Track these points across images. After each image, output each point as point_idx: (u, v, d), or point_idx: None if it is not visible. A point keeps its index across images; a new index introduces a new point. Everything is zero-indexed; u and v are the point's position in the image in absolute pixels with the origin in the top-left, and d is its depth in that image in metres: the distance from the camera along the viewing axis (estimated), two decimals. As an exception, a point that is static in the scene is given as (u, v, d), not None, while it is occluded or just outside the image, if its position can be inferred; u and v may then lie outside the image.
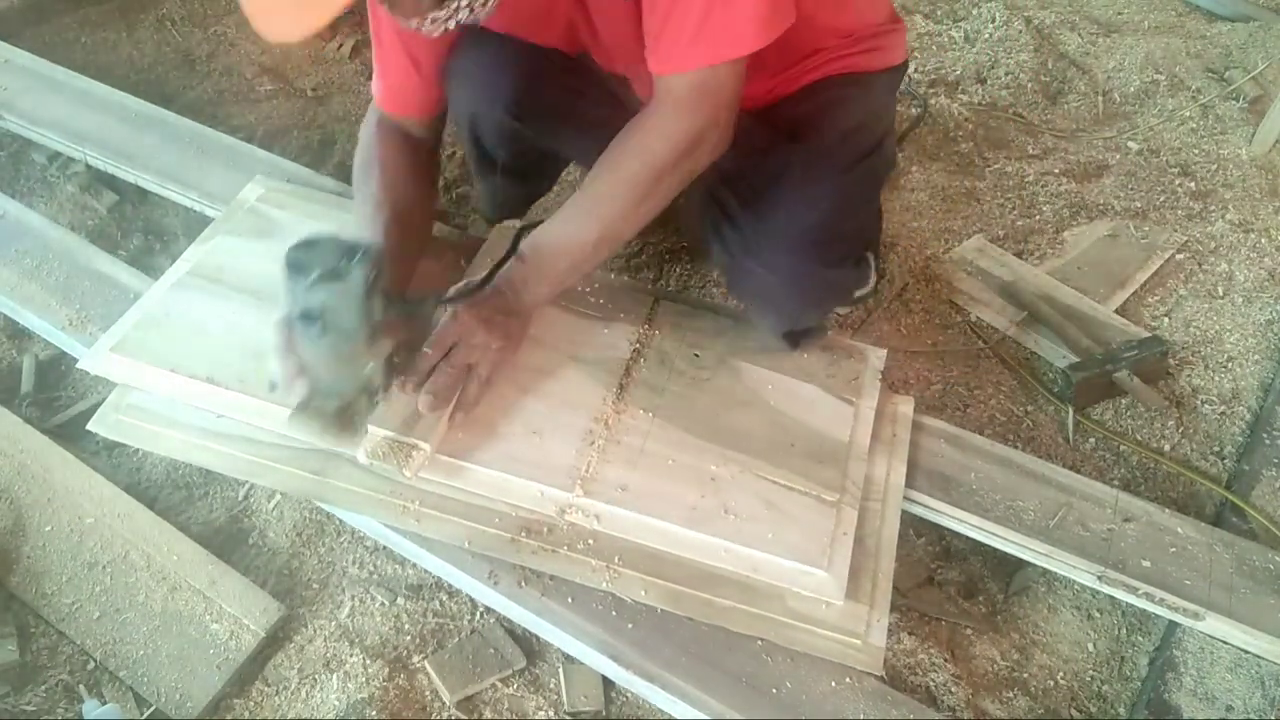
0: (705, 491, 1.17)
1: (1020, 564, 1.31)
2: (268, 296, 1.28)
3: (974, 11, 2.34)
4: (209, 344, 1.26)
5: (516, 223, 1.36)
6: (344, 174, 1.75)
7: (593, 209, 1.18)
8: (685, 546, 1.14)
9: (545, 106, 1.32)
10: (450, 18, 1.03)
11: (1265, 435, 1.49)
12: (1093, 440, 1.52)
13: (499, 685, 1.19)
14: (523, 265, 1.21)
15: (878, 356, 1.38)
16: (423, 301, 1.20)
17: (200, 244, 1.42)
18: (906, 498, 1.25)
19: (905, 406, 1.33)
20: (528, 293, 1.21)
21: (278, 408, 1.16)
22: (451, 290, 1.22)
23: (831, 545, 1.13)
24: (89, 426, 1.24)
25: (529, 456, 1.18)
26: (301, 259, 1.03)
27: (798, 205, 1.21)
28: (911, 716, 1.08)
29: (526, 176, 1.51)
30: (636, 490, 1.16)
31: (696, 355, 1.33)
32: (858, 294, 1.65)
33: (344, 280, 1.02)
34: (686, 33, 1.05)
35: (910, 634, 1.26)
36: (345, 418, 1.14)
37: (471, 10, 1.03)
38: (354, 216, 1.26)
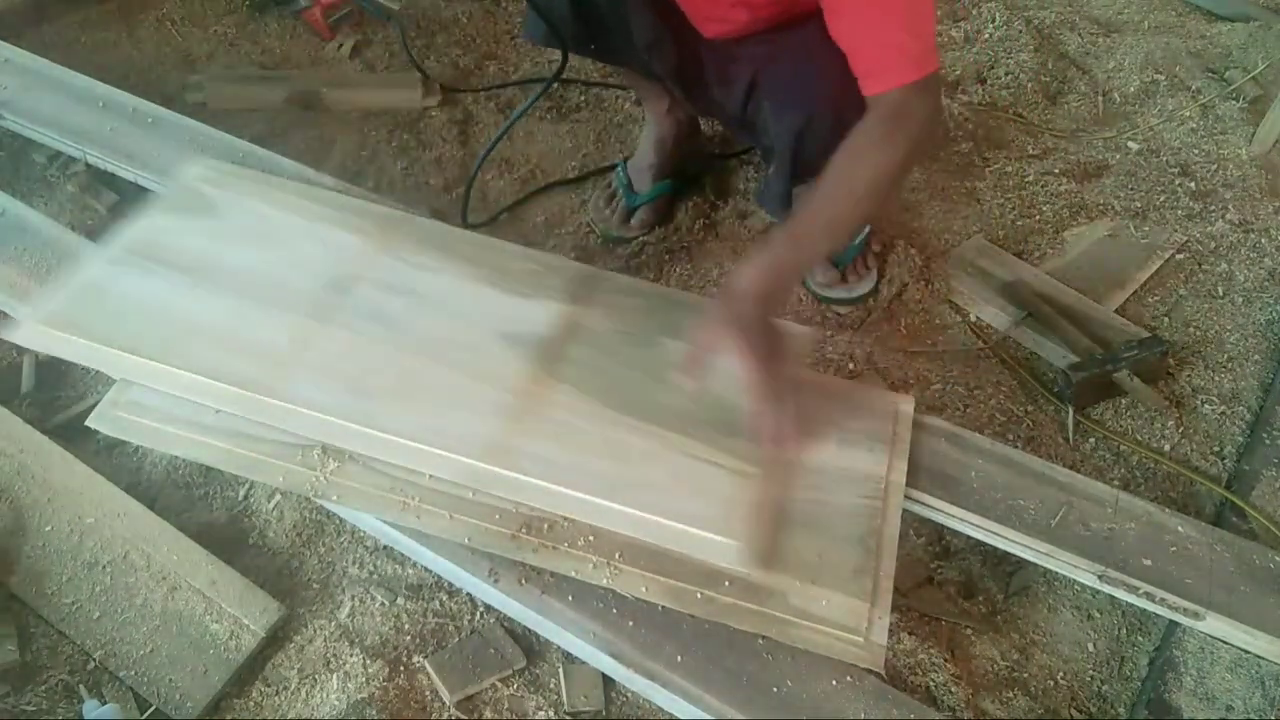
0: (623, 462, 1.17)
1: (1020, 564, 1.31)
2: (202, 275, 1.31)
3: (974, 11, 2.34)
4: (141, 320, 1.26)
5: None
6: (344, 174, 1.76)
7: (853, 191, 1.18)
8: (603, 517, 1.14)
9: None
10: None
11: (1265, 435, 1.49)
12: (1093, 440, 1.52)
13: (499, 685, 1.19)
14: (782, 257, 1.17)
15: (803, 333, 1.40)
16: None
17: (136, 221, 1.41)
18: (907, 496, 1.25)
19: (906, 405, 1.33)
20: (784, 291, 1.28)
21: (210, 383, 1.20)
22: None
23: (743, 516, 1.13)
24: (88, 423, 1.24)
25: (449, 428, 1.18)
26: None
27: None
28: (911, 716, 1.08)
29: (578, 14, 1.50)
30: (555, 462, 1.16)
31: (627, 333, 1.32)
32: (856, 293, 1.66)
33: None
34: (902, 54, 1.16)
35: (910, 634, 1.26)
36: None
37: None
38: None
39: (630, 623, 1.12)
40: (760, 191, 1.74)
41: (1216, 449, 1.52)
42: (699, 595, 1.12)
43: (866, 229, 1.67)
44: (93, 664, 1.17)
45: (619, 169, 1.79)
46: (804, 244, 1.19)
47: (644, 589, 1.13)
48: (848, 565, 1.15)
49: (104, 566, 1.22)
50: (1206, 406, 1.57)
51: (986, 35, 2.26)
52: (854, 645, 1.10)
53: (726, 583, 1.13)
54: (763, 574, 1.13)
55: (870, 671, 1.09)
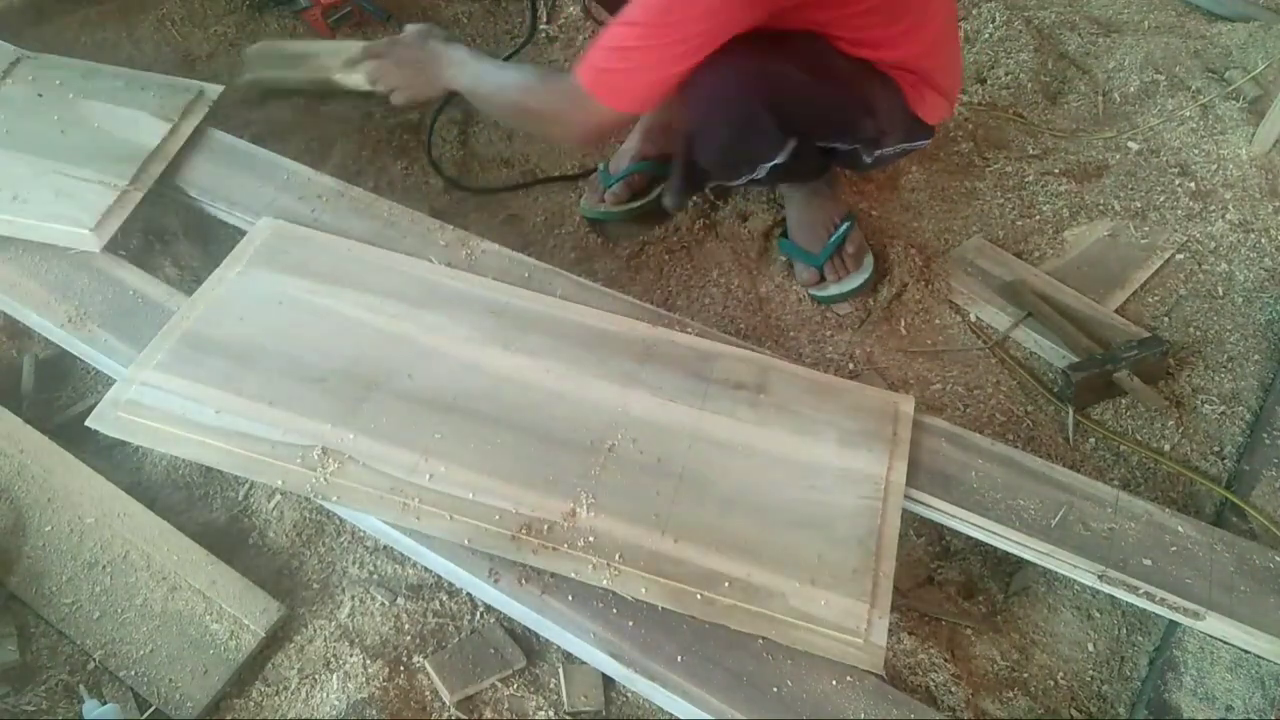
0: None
1: (1020, 564, 1.31)
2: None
3: (974, 11, 2.34)
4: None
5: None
6: (343, 174, 1.76)
7: (498, 88, 1.45)
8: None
9: None
10: None
11: (1265, 435, 1.49)
12: (1093, 440, 1.52)
13: (499, 685, 1.19)
14: (461, 60, 1.47)
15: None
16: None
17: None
18: (907, 496, 1.25)
19: (906, 405, 1.33)
20: (449, 73, 1.48)
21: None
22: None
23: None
24: (88, 423, 1.24)
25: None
26: None
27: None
28: (911, 716, 1.08)
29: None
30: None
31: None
32: (850, 286, 1.65)
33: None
34: (592, 59, 1.27)
35: (910, 634, 1.26)
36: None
37: None
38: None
39: (630, 623, 1.12)
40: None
41: (1216, 449, 1.52)
42: (698, 596, 1.12)
43: (844, 224, 1.65)
44: (93, 664, 1.17)
45: (600, 165, 1.81)
46: (467, 74, 1.46)
47: (644, 590, 1.13)
48: (847, 566, 1.15)
49: (104, 566, 1.22)
50: (1206, 406, 1.57)
51: (986, 35, 2.26)
52: (853, 647, 1.10)
53: (726, 584, 1.13)
54: (759, 574, 1.13)
55: (870, 672, 1.10)
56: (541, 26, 2.14)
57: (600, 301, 1.43)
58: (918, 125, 1.50)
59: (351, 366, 1.30)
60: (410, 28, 1.57)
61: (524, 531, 1.15)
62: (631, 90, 1.29)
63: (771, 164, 1.42)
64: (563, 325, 1.37)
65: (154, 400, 1.25)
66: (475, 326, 1.36)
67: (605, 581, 1.13)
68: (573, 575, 1.14)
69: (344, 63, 1.62)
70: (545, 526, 1.16)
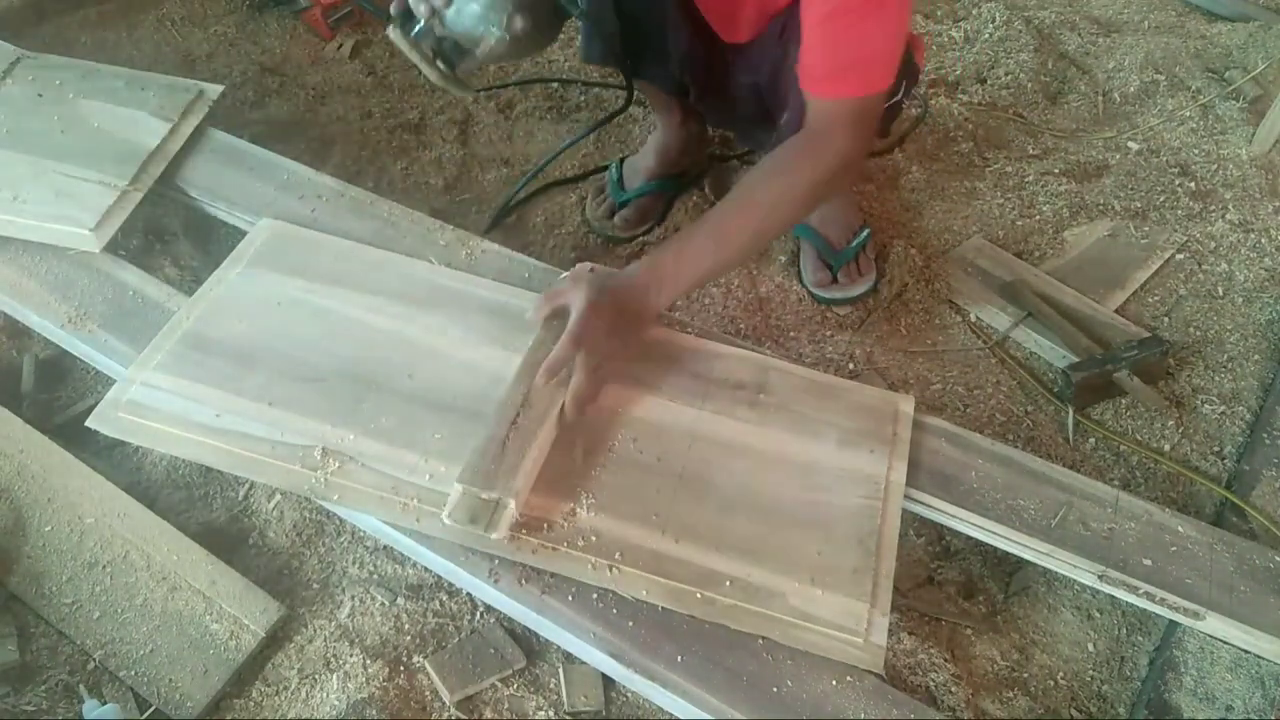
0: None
1: (1020, 564, 1.31)
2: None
3: (974, 11, 2.34)
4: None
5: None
6: (343, 174, 1.76)
7: (748, 215, 1.21)
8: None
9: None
10: None
11: (1265, 435, 1.49)
12: (1093, 440, 1.52)
13: (499, 685, 1.19)
14: (661, 263, 1.23)
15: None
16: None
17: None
18: (907, 496, 1.25)
19: (906, 405, 1.33)
20: (660, 295, 1.23)
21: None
22: (583, 266, 1.25)
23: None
24: (88, 423, 1.24)
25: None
26: None
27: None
28: (911, 716, 1.08)
29: (631, 32, 1.53)
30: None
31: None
32: (855, 293, 1.66)
33: None
34: (853, 60, 1.14)
35: (910, 634, 1.26)
36: (445, 61, 1.23)
37: None
38: None
39: (630, 623, 1.12)
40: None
41: (1216, 449, 1.52)
42: (699, 596, 1.12)
43: (865, 231, 1.67)
44: (93, 664, 1.17)
45: (612, 166, 1.81)
46: (686, 259, 1.22)
47: (644, 591, 1.13)
48: (847, 566, 1.15)
49: (104, 566, 1.22)
50: (1206, 406, 1.57)
51: (986, 35, 2.26)
52: (853, 646, 1.10)
53: (727, 583, 1.13)
54: (760, 574, 1.13)
55: (870, 672, 1.10)
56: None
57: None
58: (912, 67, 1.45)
59: (351, 367, 1.30)
60: (566, 281, 1.24)
61: (523, 531, 1.15)
62: (889, 60, 1.17)
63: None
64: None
65: (154, 401, 1.25)
66: (474, 327, 1.36)
67: (606, 582, 1.13)
68: (573, 575, 1.14)
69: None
70: (545, 526, 1.16)
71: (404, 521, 1.17)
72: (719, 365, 1.34)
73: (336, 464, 1.20)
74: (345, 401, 1.26)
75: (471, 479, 1.13)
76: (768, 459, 1.25)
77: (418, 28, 1.22)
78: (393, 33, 1.23)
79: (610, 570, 1.14)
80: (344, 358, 1.31)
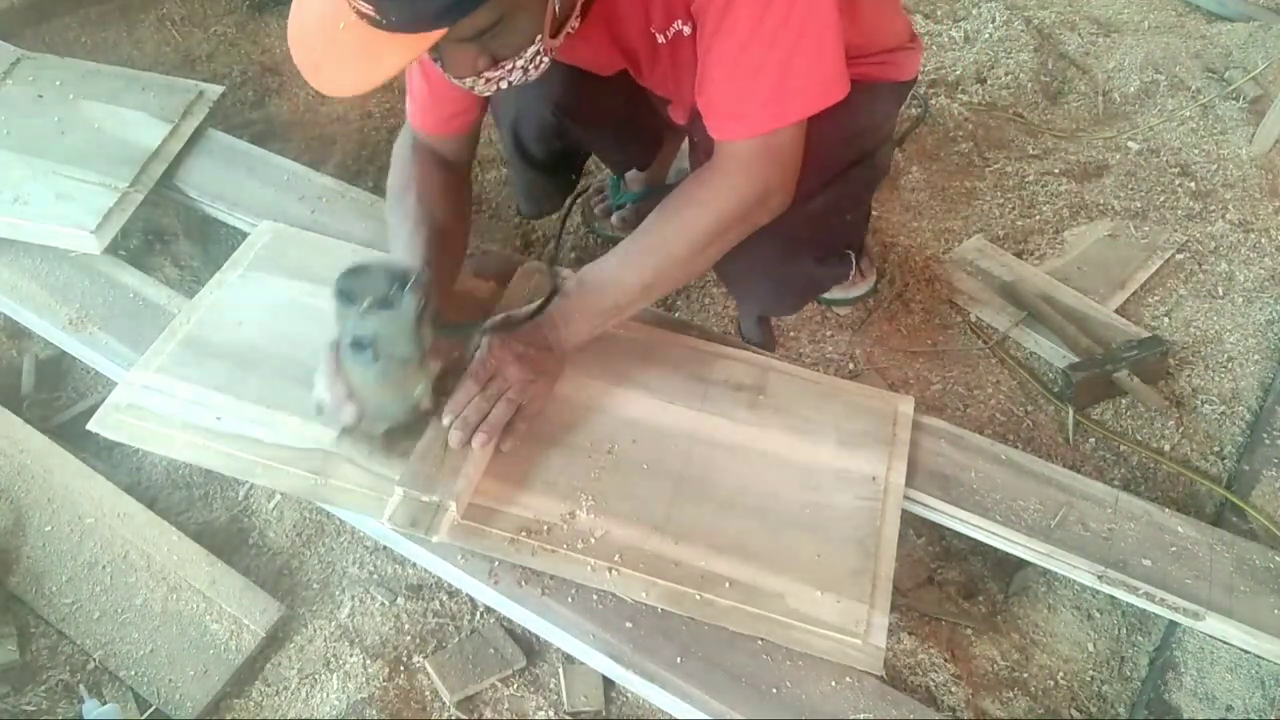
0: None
1: (1020, 564, 1.31)
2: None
3: (974, 11, 2.34)
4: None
5: (540, 264, 1.41)
6: (343, 174, 1.76)
7: (648, 253, 1.17)
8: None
9: (586, 108, 1.39)
10: (504, 78, 1.02)
11: (1265, 435, 1.49)
12: (1093, 440, 1.52)
13: (499, 685, 1.19)
14: (567, 301, 1.20)
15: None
16: (468, 326, 1.21)
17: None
18: (907, 497, 1.25)
19: (905, 406, 1.32)
20: (568, 329, 1.20)
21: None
22: (490, 320, 1.22)
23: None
24: (89, 426, 1.24)
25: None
26: (351, 287, 1.04)
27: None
28: (911, 716, 1.08)
29: (557, 170, 1.59)
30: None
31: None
32: (855, 294, 1.66)
33: (395, 308, 1.03)
34: (751, 100, 1.05)
35: (910, 634, 1.26)
36: (393, 439, 1.16)
37: (525, 73, 1.03)
38: (392, 236, 1.25)
39: (629, 624, 1.12)
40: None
41: (1216, 449, 1.52)
42: (698, 597, 1.12)
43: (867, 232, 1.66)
44: (93, 664, 1.17)
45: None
46: (588, 294, 1.19)
47: (644, 593, 1.13)
48: (846, 567, 1.15)
49: (104, 566, 1.22)
50: (1206, 406, 1.57)
51: (986, 35, 2.26)
52: (852, 648, 1.09)
53: (726, 585, 1.13)
54: (758, 576, 1.13)
55: (869, 673, 1.10)
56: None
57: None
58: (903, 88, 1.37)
59: None
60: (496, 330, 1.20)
61: (523, 533, 1.15)
62: (808, 86, 1.05)
63: None
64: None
65: (155, 404, 1.25)
66: None
67: (607, 584, 1.13)
68: (572, 577, 1.14)
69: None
70: (545, 528, 1.16)
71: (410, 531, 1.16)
72: (719, 367, 1.34)
73: (336, 467, 1.20)
74: None
75: (411, 482, 1.13)
76: (767, 460, 1.25)
77: (351, 424, 1.13)
78: (342, 441, 1.18)
79: (610, 572, 1.13)
80: None
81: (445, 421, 1.15)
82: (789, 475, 1.23)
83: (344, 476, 1.19)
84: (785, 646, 1.10)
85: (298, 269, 1.42)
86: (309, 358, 1.30)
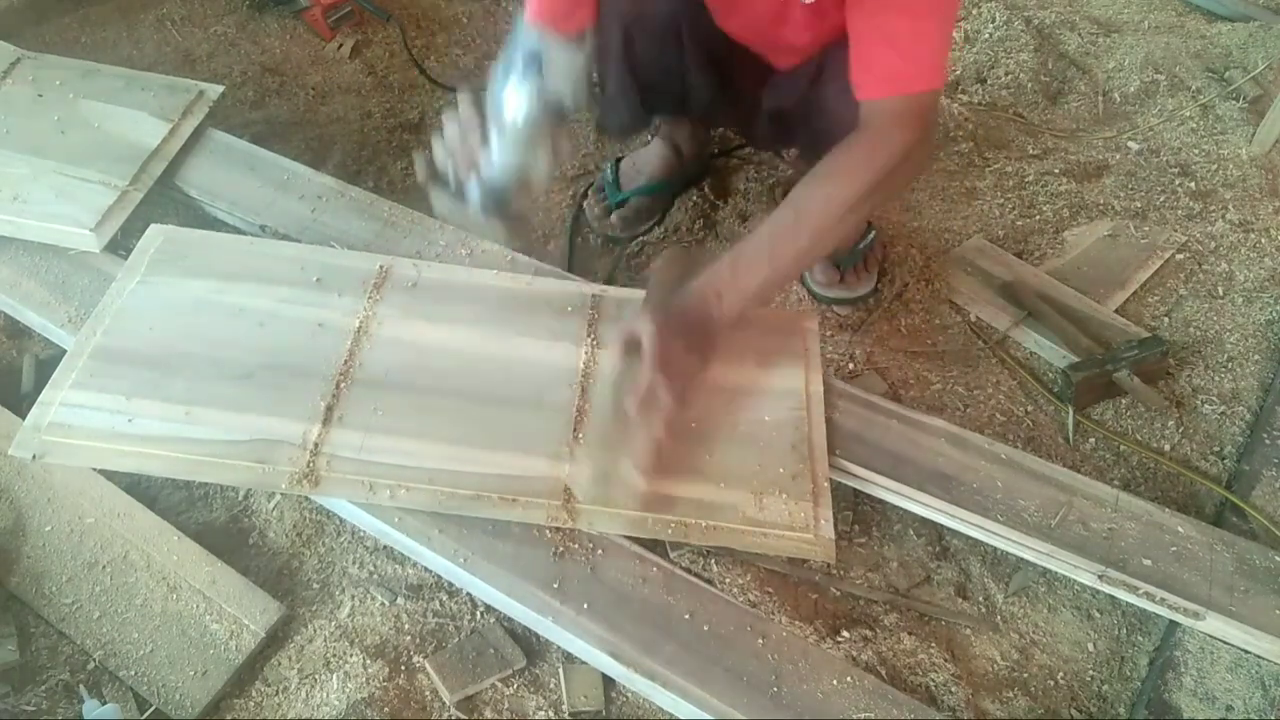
0: None
1: (1020, 563, 1.31)
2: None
3: (974, 11, 2.34)
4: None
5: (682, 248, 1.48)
6: (343, 174, 1.76)
7: (802, 222, 1.21)
8: None
9: (704, 33, 1.44)
10: None
11: (1265, 435, 1.49)
12: (1093, 440, 1.52)
13: (499, 685, 1.19)
14: (719, 280, 1.22)
15: None
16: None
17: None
18: (907, 497, 1.25)
19: (810, 322, 1.42)
20: (726, 304, 1.21)
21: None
22: (650, 299, 1.24)
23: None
24: (10, 452, 1.20)
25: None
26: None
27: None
28: (911, 717, 1.08)
29: (653, 88, 1.56)
30: None
31: None
32: (855, 294, 1.66)
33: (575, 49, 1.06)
34: (906, 63, 1.17)
35: (910, 634, 1.26)
36: (498, 203, 1.18)
37: None
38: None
39: (629, 622, 1.12)
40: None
41: (1216, 449, 1.52)
42: (659, 521, 1.18)
43: (872, 233, 1.66)
44: (93, 664, 1.17)
45: (606, 167, 1.81)
46: (742, 268, 1.22)
47: (606, 524, 1.18)
48: (787, 472, 1.23)
49: (104, 566, 1.22)
50: (1206, 406, 1.57)
51: (986, 35, 2.26)
52: (805, 543, 1.18)
53: (683, 506, 1.19)
54: (710, 492, 1.21)
55: (824, 563, 1.09)
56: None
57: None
58: None
59: (274, 359, 1.30)
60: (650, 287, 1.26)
61: (487, 490, 1.19)
62: (941, 58, 1.21)
63: None
64: (480, 291, 1.41)
65: (80, 419, 1.22)
66: (393, 304, 1.38)
67: (564, 522, 1.17)
68: (528, 520, 1.17)
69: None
70: (512, 483, 1.19)
71: (357, 498, 1.18)
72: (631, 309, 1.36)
73: (279, 453, 1.20)
74: (276, 392, 1.26)
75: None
76: (702, 389, 1.29)
77: (470, 187, 1.17)
78: (438, 205, 1.20)
79: (566, 509, 1.18)
80: (266, 350, 1.31)
81: (632, 412, 1.16)
82: (722, 399, 1.31)
83: (288, 462, 1.19)
84: (785, 644, 1.11)
85: (200, 268, 1.41)
86: (230, 352, 1.30)
